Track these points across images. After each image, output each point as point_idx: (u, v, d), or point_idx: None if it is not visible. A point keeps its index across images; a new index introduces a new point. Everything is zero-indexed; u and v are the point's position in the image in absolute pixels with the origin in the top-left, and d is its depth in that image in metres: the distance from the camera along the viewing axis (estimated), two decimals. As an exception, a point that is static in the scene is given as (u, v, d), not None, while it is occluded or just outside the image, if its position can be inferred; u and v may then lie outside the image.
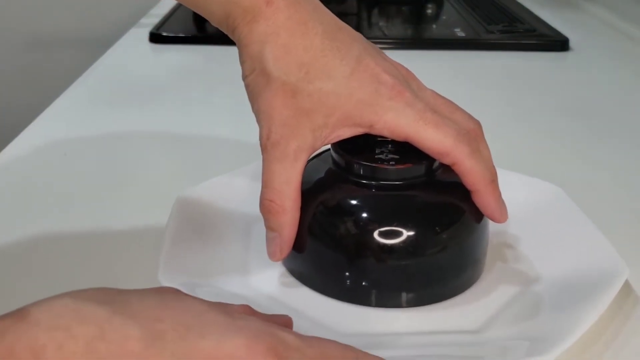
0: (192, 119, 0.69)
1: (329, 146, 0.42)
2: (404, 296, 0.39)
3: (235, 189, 0.48)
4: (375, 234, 0.38)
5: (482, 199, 0.39)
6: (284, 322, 0.35)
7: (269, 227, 0.39)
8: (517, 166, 0.50)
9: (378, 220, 0.38)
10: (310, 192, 0.39)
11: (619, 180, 0.57)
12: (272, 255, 0.39)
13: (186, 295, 0.28)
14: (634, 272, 0.39)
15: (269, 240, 0.39)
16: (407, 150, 0.39)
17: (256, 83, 0.38)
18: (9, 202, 0.52)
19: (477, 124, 0.40)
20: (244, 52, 0.39)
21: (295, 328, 0.35)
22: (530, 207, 0.46)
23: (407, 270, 0.39)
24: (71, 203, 0.52)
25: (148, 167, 0.59)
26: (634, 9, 1.04)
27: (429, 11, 1.14)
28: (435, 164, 0.40)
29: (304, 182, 0.38)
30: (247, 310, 0.36)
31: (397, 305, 0.39)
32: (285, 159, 0.38)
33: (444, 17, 1.09)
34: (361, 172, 0.40)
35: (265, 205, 0.38)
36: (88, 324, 0.24)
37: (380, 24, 1.03)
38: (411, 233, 0.38)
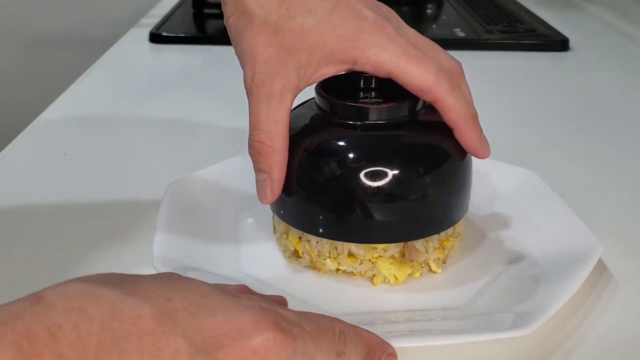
0: (192, 118, 0.69)
1: (313, 95, 0.42)
2: (393, 232, 0.40)
3: (226, 178, 0.50)
4: (363, 172, 0.38)
5: (463, 135, 0.39)
6: (279, 301, 0.37)
7: (259, 169, 0.39)
8: (517, 165, 0.51)
9: (365, 159, 0.39)
10: (296, 137, 0.39)
11: (619, 179, 0.57)
12: (262, 198, 0.39)
13: (190, 278, 0.29)
14: (606, 250, 0.41)
15: (259, 183, 0.39)
16: (389, 94, 0.40)
17: (238, 23, 0.39)
18: (9, 202, 0.52)
19: (459, 63, 0.40)
20: None
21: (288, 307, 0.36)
22: (508, 190, 0.49)
23: (395, 207, 0.39)
24: (71, 203, 0.52)
25: (148, 166, 0.59)
26: (634, 9, 1.04)
27: (429, 11, 1.14)
28: (419, 105, 0.41)
29: (290, 129, 0.38)
30: (246, 290, 0.37)
31: (386, 240, 0.40)
32: (272, 99, 0.37)
33: (444, 17, 1.09)
34: (346, 114, 0.40)
35: (255, 147, 0.38)
36: (102, 305, 0.24)
37: (380, 24, 1.03)
38: (397, 171, 0.38)
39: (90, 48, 1.09)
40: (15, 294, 0.25)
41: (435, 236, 0.42)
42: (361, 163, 0.38)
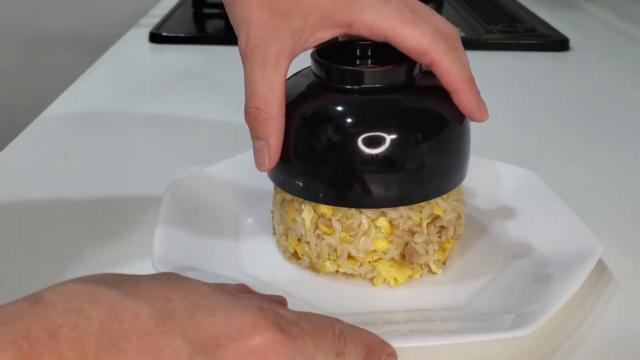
0: (192, 118, 0.69)
1: (308, 64, 0.42)
2: (392, 196, 0.39)
3: (226, 177, 0.50)
4: (361, 136, 0.38)
5: (461, 98, 0.39)
6: (279, 301, 0.37)
7: (256, 136, 0.38)
8: (517, 165, 0.51)
9: (362, 122, 0.38)
10: (293, 103, 0.39)
11: (619, 179, 0.57)
12: (260, 166, 0.39)
13: (190, 277, 0.29)
14: (606, 250, 0.41)
15: (256, 151, 0.38)
16: (385, 62, 0.40)
17: None
18: (9, 201, 0.52)
19: (455, 29, 0.40)
20: None
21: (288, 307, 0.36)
22: (508, 191, 0.49)
23: (393, 170, 0.39)
24: (71, 202, 0.52)
25: (148, 166, 0.59)
26: (634, 9, 1.04)
27: (429, 11, 1.14)
28: (416, 70, 0.40)
29: (286, 96, 0.38)
30: (245, 290, 0.37)
31: (385, 205, 0.40)
32: (267, 65, 0.37)
33: (444, 17, 1.09)
34: (342, 78, 0.39)
35: (252, 114, 0.38)
36: (101, 305, 0.24)
37: (380, 24, 1.03)
38: (395, 134, 0.38)
39: (90, 48, 1.09)
40: (15, 294, 0.25)
41: (436, 238, 0.41)
42: (358, 127, 0.38)
